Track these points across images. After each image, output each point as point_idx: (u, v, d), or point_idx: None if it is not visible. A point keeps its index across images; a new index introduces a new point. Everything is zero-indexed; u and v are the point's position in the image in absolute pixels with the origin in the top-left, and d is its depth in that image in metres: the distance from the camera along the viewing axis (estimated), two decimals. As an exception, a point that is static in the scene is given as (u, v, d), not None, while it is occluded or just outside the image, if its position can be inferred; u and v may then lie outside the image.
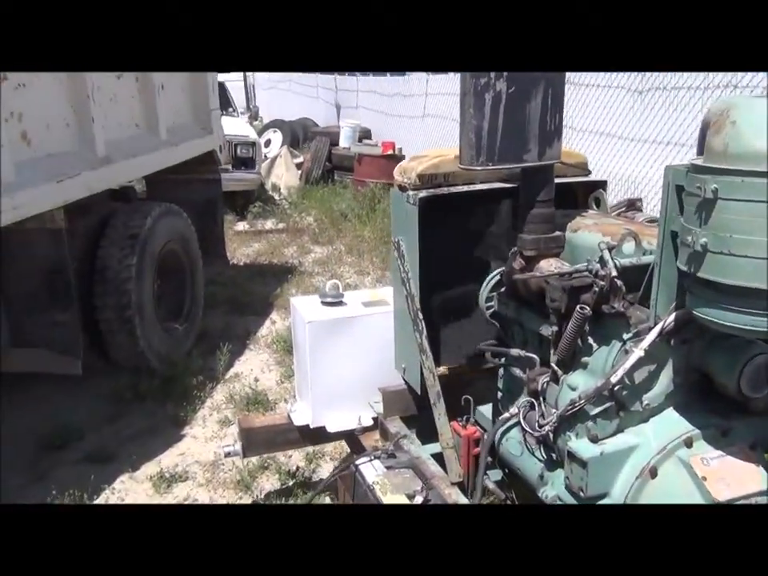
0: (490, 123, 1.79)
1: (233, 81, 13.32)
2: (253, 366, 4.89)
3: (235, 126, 9.07)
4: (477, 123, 1.80)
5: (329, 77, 15.58)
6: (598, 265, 1.76)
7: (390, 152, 8.84)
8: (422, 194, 2.39)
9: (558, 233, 2.01)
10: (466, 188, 2.44)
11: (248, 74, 23.33)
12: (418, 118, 10.05)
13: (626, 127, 5.85)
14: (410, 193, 2.42)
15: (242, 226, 8.76)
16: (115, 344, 4.36)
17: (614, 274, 1.71)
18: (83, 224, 4.15)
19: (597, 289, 1.72)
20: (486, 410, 2.59)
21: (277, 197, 10.85)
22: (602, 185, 2.60)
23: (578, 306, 1.78)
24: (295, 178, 11.37)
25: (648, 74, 5.68)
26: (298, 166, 11.88)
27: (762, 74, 4.62)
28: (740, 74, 4.86)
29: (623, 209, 2.45)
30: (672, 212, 1.68)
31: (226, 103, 9.33)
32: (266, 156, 11.30)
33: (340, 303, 3.10)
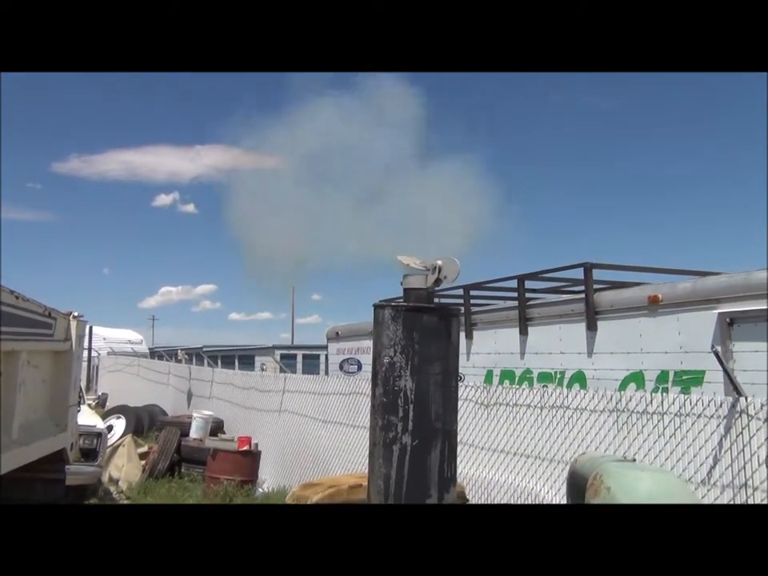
0: (398, 472, 1.96)
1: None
2: None
3: (80, 415, 8.63)
4: (386, 472, 1.95)
5: (183, 365, 15.70)
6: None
7: (246, 447, 8.73)
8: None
9: None
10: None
11: (93, 354, 22.93)
12: (275, 412, 10.20)
13: (475, 436, 6.35)
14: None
15: (72, 526, 7.84)
16: None
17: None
18: None
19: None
20: None
21: (114, 491, 10.01)
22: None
23: None
24: (137, 469, 10.68)
25: (493, 390, 6.39)
26: (142, 456, 11.25)
27: (588, 397, 5.37)
28: (570, 397, 5.63)
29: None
30: None
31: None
32: (106, 444, 10.64)
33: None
